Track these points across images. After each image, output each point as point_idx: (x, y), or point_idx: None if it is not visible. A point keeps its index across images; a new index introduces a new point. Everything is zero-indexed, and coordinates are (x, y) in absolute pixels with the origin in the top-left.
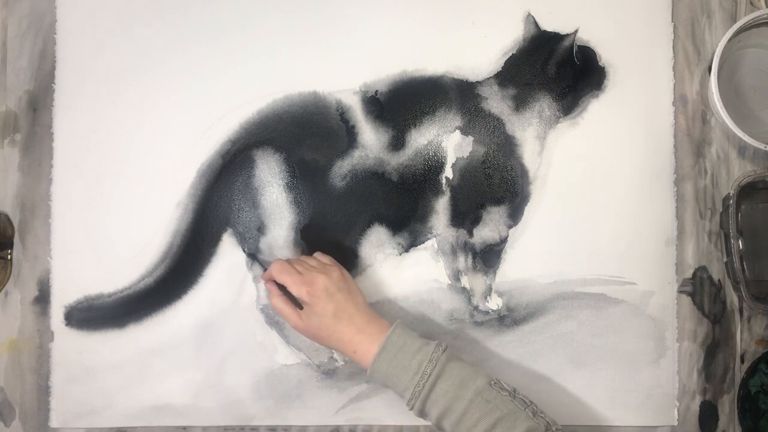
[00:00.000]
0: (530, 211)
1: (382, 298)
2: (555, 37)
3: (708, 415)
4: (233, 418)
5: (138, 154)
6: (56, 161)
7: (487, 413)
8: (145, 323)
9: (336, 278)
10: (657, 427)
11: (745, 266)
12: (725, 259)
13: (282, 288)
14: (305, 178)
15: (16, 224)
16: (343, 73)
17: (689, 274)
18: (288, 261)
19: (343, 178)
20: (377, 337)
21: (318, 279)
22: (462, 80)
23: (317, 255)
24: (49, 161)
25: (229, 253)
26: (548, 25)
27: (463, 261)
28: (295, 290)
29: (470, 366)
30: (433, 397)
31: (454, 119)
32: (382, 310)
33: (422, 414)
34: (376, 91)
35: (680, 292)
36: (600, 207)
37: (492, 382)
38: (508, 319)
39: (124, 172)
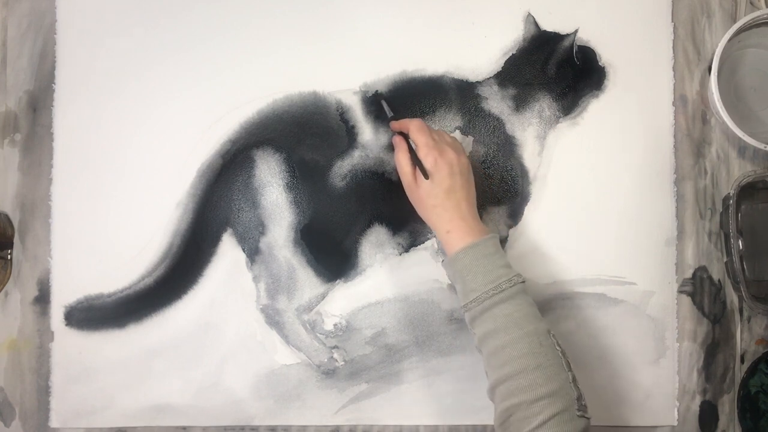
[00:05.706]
0: (530, 211)
1: (382, 298)
2: (555, 37)
3: (708, 415)
4: (233, 418)
5: (138, 154)
6: (56, 161)
7: (533, 353)
8: (145, 323)
9: (463, 162)
10: (657, 427)
11: (745, 266)
12: (725, 259)
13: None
14: (305, 178)
15: (16, 224)
16: (343, 73)
17: (689, 274)
18: (426, 125)
19: (343, 178)
20: (476, 232)
21: (449, 153)
22: (462, 80)
23: (451, 135)
24: (49, 161)
25: (229, 253)
26: (548, 25)
27: None
28: (424, 152)
29: (537, 310)
30: (494, 311)
31: (454, 119)
32: (382, 310)
33: (472, 324)
34: (376, 91)
35: (680, 292)
36: (600, 207)
37: (552, 333)
38: None
39: (124, 172)
